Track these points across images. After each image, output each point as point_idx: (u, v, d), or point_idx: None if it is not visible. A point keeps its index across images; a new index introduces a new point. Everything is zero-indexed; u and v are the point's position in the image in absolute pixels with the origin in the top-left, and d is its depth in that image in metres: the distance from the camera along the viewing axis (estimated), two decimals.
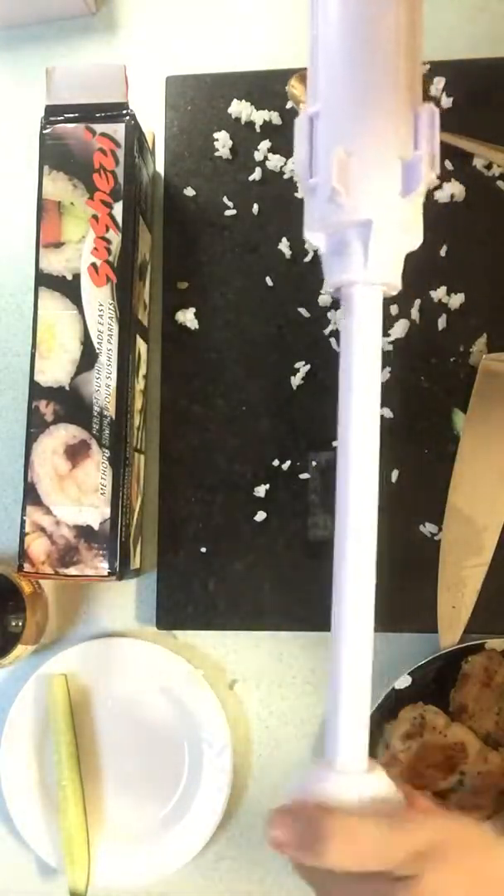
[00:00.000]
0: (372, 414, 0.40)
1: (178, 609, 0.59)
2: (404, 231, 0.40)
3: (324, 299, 0.61)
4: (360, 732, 0.40)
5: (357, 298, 0.40)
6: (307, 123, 0.40)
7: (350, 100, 0.40)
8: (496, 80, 0.61)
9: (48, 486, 0.55)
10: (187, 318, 0.62)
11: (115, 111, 0.57)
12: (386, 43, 0.39)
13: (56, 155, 0.57)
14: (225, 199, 0.62)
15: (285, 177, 0.62)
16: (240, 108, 0.62)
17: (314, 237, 0.42)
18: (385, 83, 0.39)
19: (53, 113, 0.57)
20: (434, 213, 0.60)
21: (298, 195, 0.61)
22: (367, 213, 0.39)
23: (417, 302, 0.60)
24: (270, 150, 0.62)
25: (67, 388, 0.56)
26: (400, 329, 0.60)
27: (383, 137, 0.39)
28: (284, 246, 0.61)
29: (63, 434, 0.56)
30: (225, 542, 0.60)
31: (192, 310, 0.62)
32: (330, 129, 0.40)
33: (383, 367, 0.60)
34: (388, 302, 0.59)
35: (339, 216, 0.39)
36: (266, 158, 0.62)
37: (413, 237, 0.41)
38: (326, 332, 0.61)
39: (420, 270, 0.61)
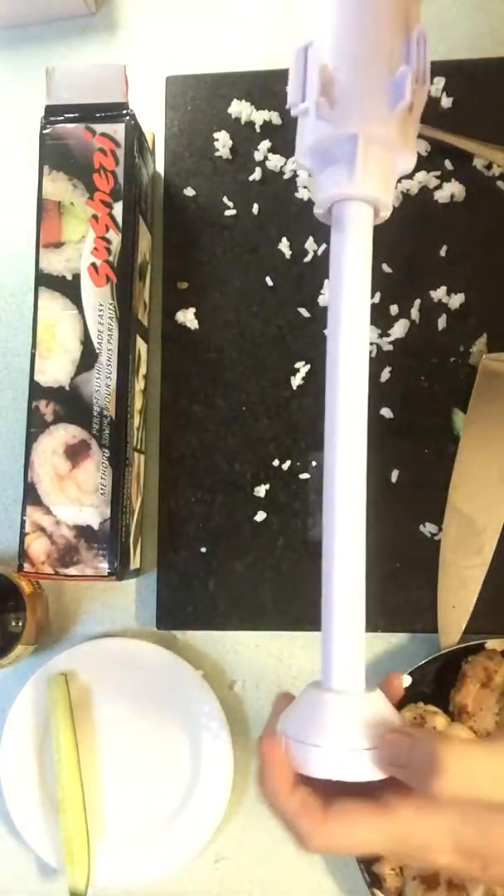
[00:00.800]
0: (362, 339, 0.40)
1: (178, 609, 0.59)
2: (392, 150, 0.41)
3: (324, 299, 0.61)
4: (354, 652, 0.40)
5: (347, 214, 0.40)
6: (302, 54, 0.41)
7: (339, 22, 0.40)
8: (496, 80, 0.61)
9: (48, 486, 0.55)
10: (187, 318, 0.62)
11: (115, 111, 0.57)
12: None
13: (56, 155, 0.57)
14: (225, 199, 0.62)
15: (285, 177, 0.62)
16: (240, 108, 0.62)
17: (305, 159, 0.42)
18: (373, 2, 0.40)
19: (53, 113, 0.57)
20: (434, 213, 0.61)
21: (298, 194, 0.62)
22: (353, 126, 0.39)
23: (417, 302, 0.60)
24: (270, 150, 0.62)
25: (67, 388, 0.56)
26: (400, 329, 0.60)
27: (369, 52, 0.40)
28: (284, 246, 0.61)
29: (63, 434, 0.56)
30: (225, 542, 0.60)
31: (192, 310, 0.62)
32: (320, 51, 0.40)
33: (383, 367, 0.60)
34: (387, 302, 0.60)
35: (326, 130, 0.40)
36: (266, 158, 0.62)
37: (404, 160, 0.41)
38: (326, 332, 0.60)
39: (420, 270, 0.61)
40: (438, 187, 0.60)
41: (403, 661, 0.60)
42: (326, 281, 0.60)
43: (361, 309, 0.40)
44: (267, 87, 0.63)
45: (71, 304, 0.56)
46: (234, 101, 0.63)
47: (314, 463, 0.60)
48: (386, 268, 0.60)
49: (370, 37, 0.40)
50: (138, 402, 0.59)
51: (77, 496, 0.55)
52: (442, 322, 0.60)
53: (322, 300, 0.61)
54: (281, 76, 0.62)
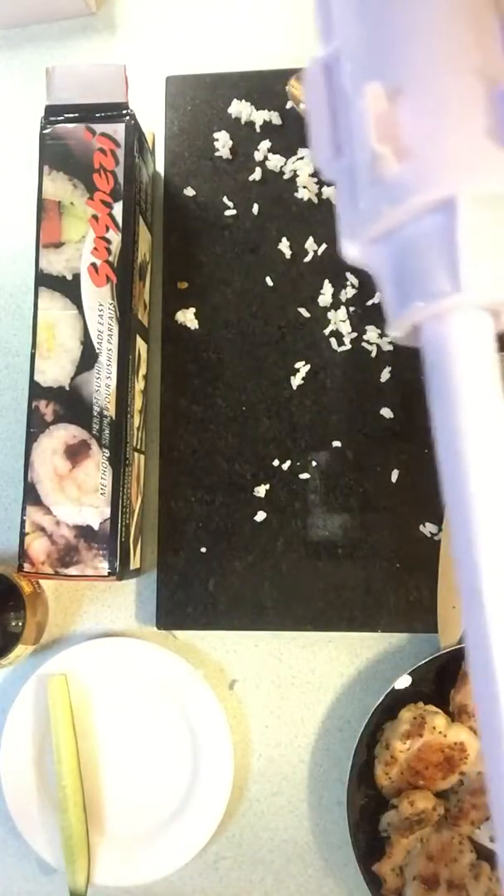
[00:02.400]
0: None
1: (178, 609, 0.59)
2: None
3: (324, 299, 0.61)
4: None
5: (452, 337, 0.25)
6: (322, 75, 0.27)
7: (388, 15, 0.25)
8: None
9: (48, 486, 0.55)
10: (187, 318, 0.62)
11: (115, 111, 0.57)
12: None
13: (56, 155, 0.57)
14: (225, 199, 0.62)
15: (285, 177, 0.62)
16: (240, 108, 0.62)
17: (359, 251, 0.27)
18: None
19: (53, 113, 0.57)
20: None
21: (298, 194, 0.62)
22: (444, 185, 0.24)
23: None
24: (270, 150, 0.62)
25: (67, 388, 0.56)
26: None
27: (453, 55, 0.24)
28: (284, 246, 0.61)
29: (63, 434, 0.56)
30: (225, 542, 0.60)
31: (192, 310, 0.62)
32: (361, 68, 0.26)
33: (383, 367, 0.60)
34: None
35: (397, 201, 0.25)
36: (266, 158, 0.62)
37: None
38: (326, 332, 0.61)
39: None
40: None
41: (403, 661, 0.60)
42: (326, 281, 0.61)
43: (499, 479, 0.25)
44: (267, 87, 0.63)
45: (71, 304, 0.56)
46: (234, 101, 0.63)
47: (314, 463, 0.60)
48: None
49: (449, 28, 0.24)
50: (138, 402, 0.59)
51: (77, 496, 0.55)
52: None
53: (322, 300, 0.61)
54: (281, 76, 0.62)
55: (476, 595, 0.25)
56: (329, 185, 0.61)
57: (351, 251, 0.28)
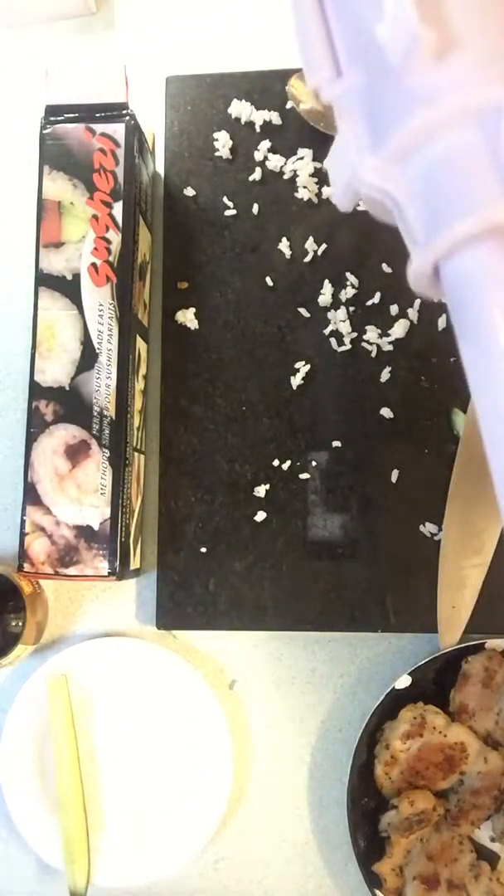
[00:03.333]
0: None
1: (178, 609, 0.59)
2: None
3: (324, 299, 0.61)
4: None
5: (492, 267, 0.22)
6: None
7: None
8: None
9: (48, 486, 0.55)
10: (187, 318, 0.62)
11: (115, 111, 0.57)
12: None
13: (56, 155, 0.57)
14: (225, 199, 0.62)
15: (285, 177, 0.62)
16: (240, 108, 0.62)
17: (378, 172, 0.24)
18: None
19: (53, 113, 0.57)
20: None
21: (298, 194, 0.62)
22: (489, 83, 0.21)
23: (417, 302, 0.60)
24: (270, 150, 0.62)
25: (67, 388, 0.56)
26: (400, 329, 0.60)
27: None
28: (284, 246, 0.61)
29: (63, 434, 0.56)
30: (225, 542, 0.60)
31: (192, 310, 0.62)
32: None
33: (383, 367, 0.60)
34: (387, 302, 0.60)
35: (434, 106, 0.22)
36: (266, 158, 0.62)
37: None
38: (326, 332, 0.61)
39: None
40: None
41: (403, 661, 0.60)
42: (326, 281, 0.61)
43: None
44: (267, 87, 0.63)
45: (71, 304, 0.56)
46: (234, 101, 0.63)
47: (314, 463, 0.60)
48: (386, 268, 0.60)
49: None
50: (138, 402, 0.59)
51: (77, 496, 0.55)
52: (442, 322, 0.60)
53: (322, 300, 0.61)
54: (281, 76, 0.62)
55: None
56: (329, 185, 0.61)
57: (369, 176, 0.24)
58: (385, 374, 0.60)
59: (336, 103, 0.25)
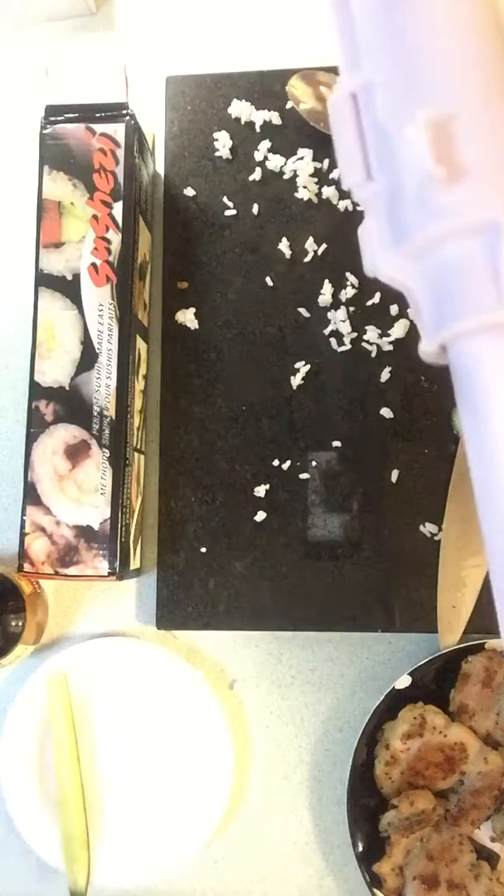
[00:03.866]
0: None
1: (178, 609, 0.59)
2: None
3: (324, 299, 0.61)
4: None
5: (489, 357, 0.27)
6: (350, 103, 0.29)
7: (427, 47, 0.27)
8: None
9: (48, 486, 0.55)
10: (187, 318, 0.62)
11: (115, 111, 0.57)
12: None
13: (56, 155, 0.57)
14: (225, 199, 0.62)
15: (285, 177, 0.62)
16: (240, 108, 0.62)
17: (396, 268, 0.29)
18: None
19: (53, 113, 0.57)
20: None
21: (298, 194, 0.62)
22: (491, 206, 0.26)
23: None
24: (270, 150, 0.62)
25: (67, 388, 0.56)
26: (400, 329, 0.60)
27: (498, 80, 0.26)
28: (284, 246, 0.61)
29: (63, 434, 0.56)
30: (225, 542, 0.60)
31: (192, 310, 0.62)
32: (402, 96, 0.27)
33: (383, 367, 0.60)
34: (387, 302, 0.60)
35: (444, 221, 0.27)
36: (266, 158, 0.62)
37: None
38: (326, 332, 0.61)
39: None
40: None
41: (403, 661, 0.60)
42: (326, 281, 0.61)
43: None
44: (267, 87, 0.63)
45: (71, 304, 0.56)
46: (234, 101, 0.63)
47: (314, 463, 0.60)
48: None
49: (491, 55, 0.26)
50: (138, 402, 0.59)
51: (77, 496, 0.55)
52: None
53: (322, 300, 0.61)
54: (281, 76, 0.62)
55: None
56: (329, 185, 0.61)
57: (387, 268, 0.29)
58: (385, 374, 0.60)
59: (366, 201, 0.30)
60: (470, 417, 0.28)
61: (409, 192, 0.27)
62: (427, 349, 0.29)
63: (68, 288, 0.56)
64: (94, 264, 0.56)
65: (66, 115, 0.57)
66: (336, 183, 0.62)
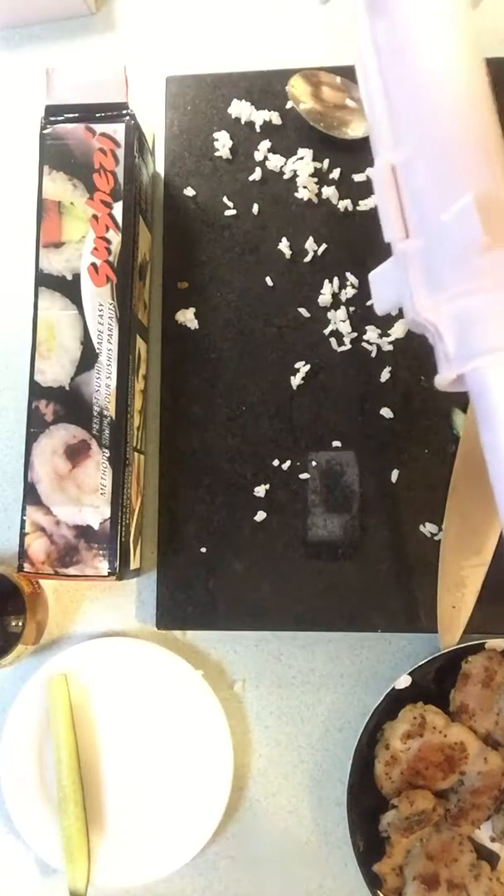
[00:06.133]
0: None
1: (178, 609, 0.59)
2: None
3: (324, 299, 0.61)
4: None
5: (499, 383, 0.34)
6: (390, 173, 0.36)
7: (465, 133, 0.34)
8: (495, 80, 0.61)
9: (48, 486, 0.55)
10: (187, 318, 0.62)
11: (115, 111, 0.57)
12: None
13: (56, 155, 0.57)
14: (225, 199, 0.62)
15: (285, 177, 0.62)
16: (240, 108, 0.62)
17: (426, 311, 0.36)
18: None
19: (53, 113, 0.57)
20: None
21: (298, 194, 0.62)
22: None
23: None
24: (270, 150, 0.62)
25: (67, 388, 0.56)
26: (400, 329, 0.60)
27: None
28: (284, 246, 0.61)
29: (63, 434, 0.56)
30: (225, 542, 0.60)
31: (192, 310, 0.62)
32: (446, 173, 0.34)
33: (383, 367, 0.60)
34: None
35: (480, 280, 0.34)
36: (266, 158, 0.62)
37: None
38: (326, 332, 0.61)
39: None
40: None
41: (403, 661, 0.60)
42: (326, 281, 0.61)
43: None
44: (267, 87, 0.63)
45: (71, 304, 0.56)
46: (234, 101, 0.63)
47: (314, 463, 0.60)
48: None
49: None
50: (138, 402, 0.59)
51: (77, 496, 0.55)
52: None
53: (322, 300, 0.61)
54: (281, 76, 0.62)
55: None
56: (329, 185, 0.61)
57: (423, 309, 0.35)
58: (385, 374, 0.60)
59: (404, 254, 0.36)
60: (487, 433, 0.36)
61: (451, 253, 0.34)
62: (446, 376, 0.36)
63: (68, 288, 0.56)
64: (94, 264, 0.56)
65: (66, 115, 0.57)
66: (336, 183, 0.62)
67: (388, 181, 0.36)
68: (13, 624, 0.57)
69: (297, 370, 0.60)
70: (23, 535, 0.55)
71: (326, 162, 0.62)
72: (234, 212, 0.62)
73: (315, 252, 0.61)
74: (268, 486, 0.60)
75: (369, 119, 0.38)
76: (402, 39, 0.36)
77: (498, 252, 0.33)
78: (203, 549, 0.60)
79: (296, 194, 0.62)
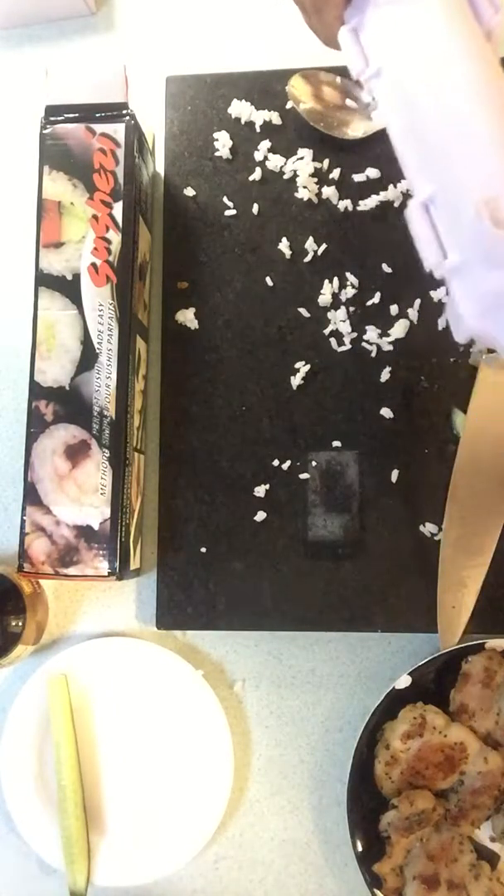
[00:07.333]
0: None
1: (178, 609, 0.59)
2: None
3: (324, 299, 0.61)
4: None
5: None
6: (422, 212, 0.39)
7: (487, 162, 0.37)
8: None
9: (48, 486, 0.55)
10: (187, 318, 0.62)
11: (115, 111, 0.57)
12: None
13: (56, 155, 0.57)
14: (225, 199, 0.62)
15: (285, 177, 0.62)
16: (240, 108, 0.62)
17: (477, 321, 0.39)
18: None
19: (53, 113, 0.57)
20: None
21: (298, 194, 0.62)
22: None
23: (417, 302, 0.60)
24: (270, 150, 0.62)
25: (67, 388, 0.56)
26: (400, 329, 0.60)
27: None
28: (284, 246, 0.61)
29: (63, 434, 0.56)
30: (225, 542, 0.60)
31: (192, 310, 0.62)
32: (470, 205, 0.37)
33: (383, 367, 0.60)
34: (387, 302, 0.60)
35: None
36: (266, 158, 0.62)
37: None
38: (326, 332, 0.61)
39: (420, 270, 0.61)
40: None
41: (403, 661, 0.60)
42: (326, 281, 0.61)
43: None
44: (267, 87, 0.63)
45: (71, 304, 0.56)
46: (234, 101, 0.63)
47: (314, 463, 0.60)
48: (386, 268, 0.60)
49: None
50: (138, 402, 0.59)
51: (77, 496, 0.55)
52: (442, 322, 0.60)
53: (322, 300, 0.61)
54: (281, 76, 0.62)
55: None
56: (329, 185, 0.61)
57: (473, 322, 0.39)
58: (385, 374, 0.60)
59: (446, 273, 0.39)
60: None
61: (479, 260, 0.37)
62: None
63: (68, 288, 0.56)
64: (94, 264, 0.56)
65: (66, 115, 0.57)
66: (336, 183, 0.62)
67: (422, 215, 0.39)
68: (13, 624, 0.57)
69: (297, 370, 0.60)
70: (23, 535, 0.55)
71: (326, 162, 0.62)
72: (234, 212, 0.62)
73: (315, 252, 0.61)
74: (268, 486, 0.60)
75: (405, 162, 0.41)
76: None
77: None
78: (203, 549, 0.60)
79: (296, 194, 0.62)
